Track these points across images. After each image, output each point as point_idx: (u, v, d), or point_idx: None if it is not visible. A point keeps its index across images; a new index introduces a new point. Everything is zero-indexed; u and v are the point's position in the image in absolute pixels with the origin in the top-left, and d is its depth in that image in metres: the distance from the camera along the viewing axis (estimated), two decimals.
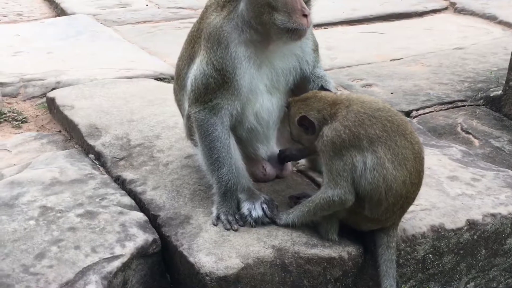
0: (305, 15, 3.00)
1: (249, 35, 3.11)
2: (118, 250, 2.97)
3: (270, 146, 3.48)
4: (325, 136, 2.90)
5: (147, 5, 8.23)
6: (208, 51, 3.14)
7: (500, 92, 4.95)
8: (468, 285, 3.41)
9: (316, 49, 3.38)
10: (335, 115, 2.92)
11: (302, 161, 3.72)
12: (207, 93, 3.13)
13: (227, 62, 3.09)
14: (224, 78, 3.10)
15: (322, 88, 3.16)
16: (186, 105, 3.34)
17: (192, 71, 3.23)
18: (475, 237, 3.30)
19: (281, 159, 3.42)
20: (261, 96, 3.22)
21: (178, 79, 3.50)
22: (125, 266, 2.93)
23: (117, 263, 2.91)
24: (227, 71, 3.09)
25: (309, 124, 2.97)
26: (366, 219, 3.00)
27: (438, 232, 3.22)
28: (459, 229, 3.26)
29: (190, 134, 3.43)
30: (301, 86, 3.33)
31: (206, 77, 3.13)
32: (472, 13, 7.70)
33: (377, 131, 2.86)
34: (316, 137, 2.97)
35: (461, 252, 3.30)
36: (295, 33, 3.02)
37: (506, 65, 4.88)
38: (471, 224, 3.29)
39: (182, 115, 3.54)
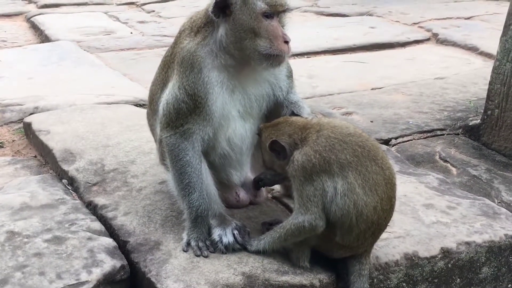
0: (286, 42, 3.02)
1: (223, 60, 3.10)
2: (84, 277, 2.90)
3: (244, 172, 3.44)
4: (296, 161, 2.88)
5: (131, 33, 8.27)
6: (180, 76, 3.12)
7: (478, 121, 4.96)
8: None
9: (290, 75, 3.37)
10: (306, 139, 2.90)
11: (277, 188, 3.69)
12: (178, 118, 3.11)
13: (199, 87, 3.07)
14: (195, 103, 3.07)
15: (293, 113, 3.15)
16: (158, 129, 3.31)
17: (164, 96, 3.20)
18: (450, 265, 3.26)
19: (256, 183, 3.38)
20: (234, 122, 3.20)
21: (151, 104, 3.48)
22: None
23: None
24: (199, 96, 3.07)
25: (280, 148, 2.94)
26: (337, 246, 2.96)
27: (412, 260, 3.18)
28: (433, 257, 3.22)
29: (162, 159, 3.39)
30: (275, 112, 3.31)
31: (178, 101, 3.10)
32: (454, 44, 7.78)
33: (347, 156, 2.84)
34: (287, 163, 2.95)
35: (436, 280, 3.26)
36: (276, 59, 3.02)
37: (486, 94, 4.89)
38: (445, 252, 3.25)
39: (155, 140, 3.50)
